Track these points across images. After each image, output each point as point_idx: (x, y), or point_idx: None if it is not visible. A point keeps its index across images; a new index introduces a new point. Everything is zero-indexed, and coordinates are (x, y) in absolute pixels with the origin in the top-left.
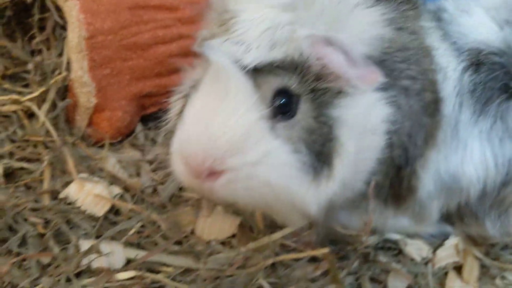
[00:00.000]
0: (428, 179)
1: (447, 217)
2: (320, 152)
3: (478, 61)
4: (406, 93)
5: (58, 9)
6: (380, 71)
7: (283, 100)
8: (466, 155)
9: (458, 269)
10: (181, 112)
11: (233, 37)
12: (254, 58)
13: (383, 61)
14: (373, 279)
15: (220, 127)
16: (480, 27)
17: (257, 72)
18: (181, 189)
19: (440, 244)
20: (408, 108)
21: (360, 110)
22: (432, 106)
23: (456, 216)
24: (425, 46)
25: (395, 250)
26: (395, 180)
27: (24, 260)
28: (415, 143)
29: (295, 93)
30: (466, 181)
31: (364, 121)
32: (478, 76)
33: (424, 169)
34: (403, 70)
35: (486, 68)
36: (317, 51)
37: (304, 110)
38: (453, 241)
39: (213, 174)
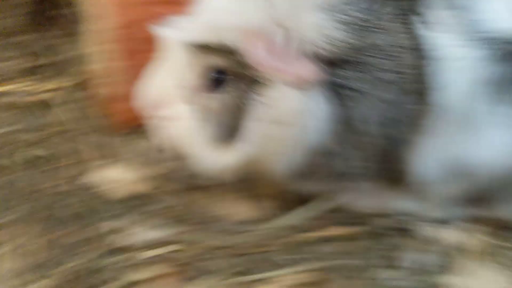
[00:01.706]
0: (422, 163)
1: (471, 201)
2: (231, 128)
3: (498, 50)
4: (378, 86)
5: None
6: (317, 69)
7: (214, 75)
8: (485, 142)
9: (465, 248)
10: None
11: (190, 19)
12: (193, 38)
13: (345, 61)
14: (382, 257)
15: (151, 88)
16: (499, 15)
17: (198, 49)
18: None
19: (447, 224)
20: (377, 99)
21: (277, 101)
22: (415, 96)
23: (480, 199)
24: (404, 42)
25: (404, 230)
26: (384, 164)
27: None
28: (397, 129)
29: (225, 72)
30: (486, 168)
31: (278, 111)
32: (497, 65)
33: (412, 153)
34: (374, 65)
35: (509, 57)
36: (244, 42)
37: (230, 88)
38: (460, 221)
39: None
